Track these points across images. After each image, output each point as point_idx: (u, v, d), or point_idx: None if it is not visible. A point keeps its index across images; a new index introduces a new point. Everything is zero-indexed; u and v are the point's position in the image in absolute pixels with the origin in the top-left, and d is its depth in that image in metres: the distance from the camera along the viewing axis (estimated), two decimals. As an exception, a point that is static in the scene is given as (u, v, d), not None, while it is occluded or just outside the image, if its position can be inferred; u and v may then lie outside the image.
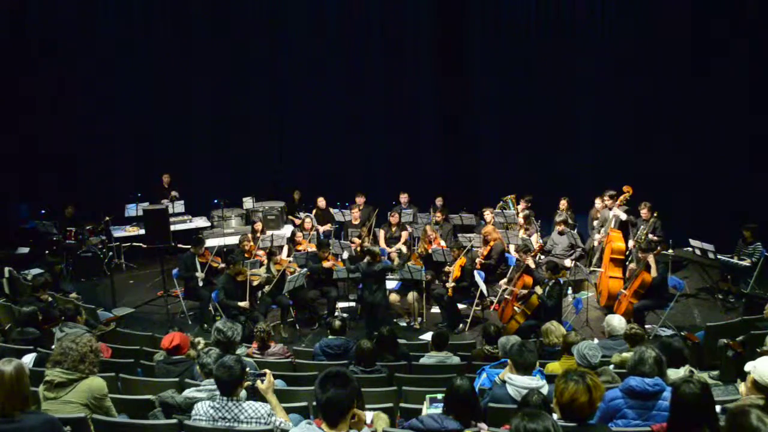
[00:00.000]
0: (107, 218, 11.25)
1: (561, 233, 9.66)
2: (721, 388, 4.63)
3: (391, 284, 8.92)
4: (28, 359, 5.43)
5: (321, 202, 11.56)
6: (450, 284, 8.54)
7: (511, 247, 9.77)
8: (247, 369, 3.94)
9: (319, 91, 13.42)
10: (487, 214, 10.20)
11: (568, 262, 9.33)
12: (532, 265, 8.23)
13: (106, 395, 4.16)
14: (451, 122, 13.09)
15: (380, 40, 13.21)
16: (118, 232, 11.30)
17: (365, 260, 8.52)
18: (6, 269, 8.86)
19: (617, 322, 6.04)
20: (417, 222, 10.92)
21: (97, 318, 7.65)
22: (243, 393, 3.86)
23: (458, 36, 12.85)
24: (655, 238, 9.08)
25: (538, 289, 7.77)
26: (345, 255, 9.73)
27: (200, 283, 8.86)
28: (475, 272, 8.65)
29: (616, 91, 11.89)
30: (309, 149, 13.61)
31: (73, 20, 12.57)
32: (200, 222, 11.81)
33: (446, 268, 8.90)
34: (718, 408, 3.39)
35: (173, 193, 12.10)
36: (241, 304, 8.17)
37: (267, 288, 8.61)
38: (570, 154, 12.39)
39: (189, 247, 9.29)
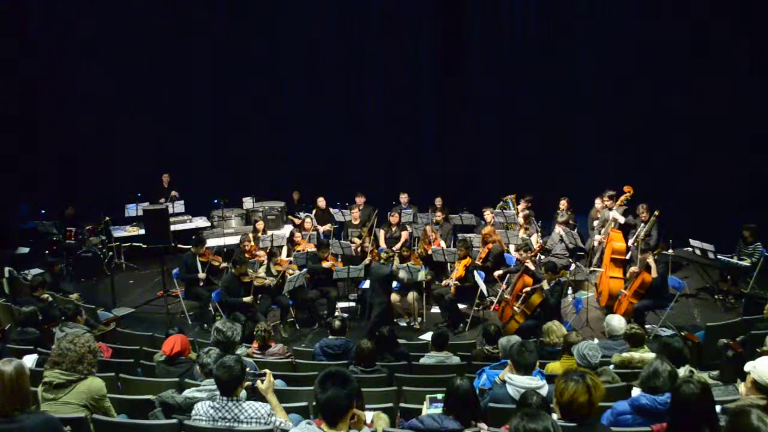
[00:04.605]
0: (107, 218, 11.26)
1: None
2: (721, 388, 4.61)
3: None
4: (30, 360, 5.43)
5: (321, 202, 11.56)
6: (453, 282, 8.54)
7: (511, 247, 9.77)
8: (247, 369, 3.94)
9: (319, 90, 13.44)
10: (487, 214, 10.20)
11: (564, 262, 9.32)
12: (532, 267, 8.24)
13: (105, 396, 4.17)
14: (451, 122, 13.09)
15: (380, 39, 13.22)
16: (118, 232, 11.31)
17: (375, 261, 8.52)
18: (6, 269, 8.86)
19: (617, 322, 6.04)
20: (417, 222, 10.91)
21: (97, 318, 7.64)
22: (243, 393, 3.86)
23: (458, 36, 12.86)
24: (652, 235, 9.06)
25: (545, 285, 7.75)
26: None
27: (201, 283, 8.86)
28: (475, 272, 8.65)
29: (616, 91, 11.89)
30: (309, 149, 13.62)
31: (73, 20, 12.59)
32: (200, 222, 11.81)
33: (444, 282, 8.87)
34: (718, 408, 3.39)
35: (173, 193, 12.11)
36: (246, 299, 8.19)
37: (271, 281, 8.62)
38: (570, 154, 12.40)
39: (189, 247, 9.28)
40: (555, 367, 5.23)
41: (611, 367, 5.26)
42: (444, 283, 8.84)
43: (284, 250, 9.99)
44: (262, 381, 3.86)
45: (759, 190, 10.34)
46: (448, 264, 9.03)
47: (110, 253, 10.90)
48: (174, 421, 4.04)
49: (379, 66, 13.29)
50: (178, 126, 13.24)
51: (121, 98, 12.81)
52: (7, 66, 11.95)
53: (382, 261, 8.57)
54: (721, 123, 10.93)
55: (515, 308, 7.96)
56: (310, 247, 9.63)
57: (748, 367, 3.75)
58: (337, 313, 8.60)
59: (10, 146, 11.93)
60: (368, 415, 3.96)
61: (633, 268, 8.42)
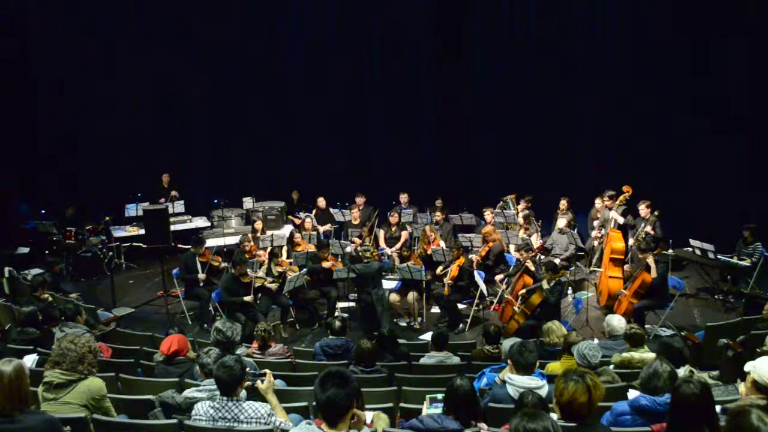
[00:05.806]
0: (107, 218, 11.26)
1: (561, 232, 9.67)
2: (721, 388, 4.61)
3: (391, 284, 8.91)
4: (30, 360, 5.43)
5: (321, 202, 11.56)
6: (447, 281, 8.54)
7: (511, 247, 9.77)
8: (247, 369, 3.94)
9: (319, 91, 13.43)
10: (487, 214, 10.19)
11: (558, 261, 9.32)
12: (532, 267, 8.24)
13: (105, 396, 4.17)
14: (451, 122, 13.09)
15: (380, 39, 13.22)
16: (118, 232, 11.31)
17: (360, 263, 8.51)
18: (6, 269, 8.87)
19: (617, 322, 6.03)
20: (417, 222, 10.91)
21: (97, 318, 7.65)
22: (243, 393, 3.86)
23: (459, 36, 12.85)
24: (652, 232, 9.06)
25: (545, 284, 7.75)
26: (348, 249, 9.73)
27: (200, 283, 8.85)
28: (475, 272, 8.64)
29: (616, 90, 11.88)
30: (309, 149, 13.62)
31: (73, 20, 12.59)
32: (200, 222, 11.81)
33: (438, 270, 8.88)
34: (718, 408, 3.38)
35: (173, 192, 12.11)
36: (246, 298, 8.20)
37: (272, 284, 8.63)
38: (570, 154, 12.39)
39: (189, 247, 9.29)
40: (555, 367, 5.23)
41: (611, 367, 5.26)
42: (438, 270, 8.85)
43: (284, 251, 9.99)
44: (262, 381, 3.86)
45: (759, 190, 10.33)
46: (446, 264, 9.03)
47: (110, 253, 10.89)
48: (174, 421, 4.04)
49: (379, 66, 13.29)
50: (178, 126, 13.23)
51: (121, 98, 12.80)
52: (7, 66, 11.94)
53: (366, 260, 8.49)
54: (721, 123, 10.93)
55: (515, 308, 7.96)
56: (310, 248, 9.62)
57: (748, 367, 3.75)
58: (337, 313, 8.60)
59: (10, 146, 11.93)
60: (368, 415, 3.96)
61: (627, 267, 8.41)
